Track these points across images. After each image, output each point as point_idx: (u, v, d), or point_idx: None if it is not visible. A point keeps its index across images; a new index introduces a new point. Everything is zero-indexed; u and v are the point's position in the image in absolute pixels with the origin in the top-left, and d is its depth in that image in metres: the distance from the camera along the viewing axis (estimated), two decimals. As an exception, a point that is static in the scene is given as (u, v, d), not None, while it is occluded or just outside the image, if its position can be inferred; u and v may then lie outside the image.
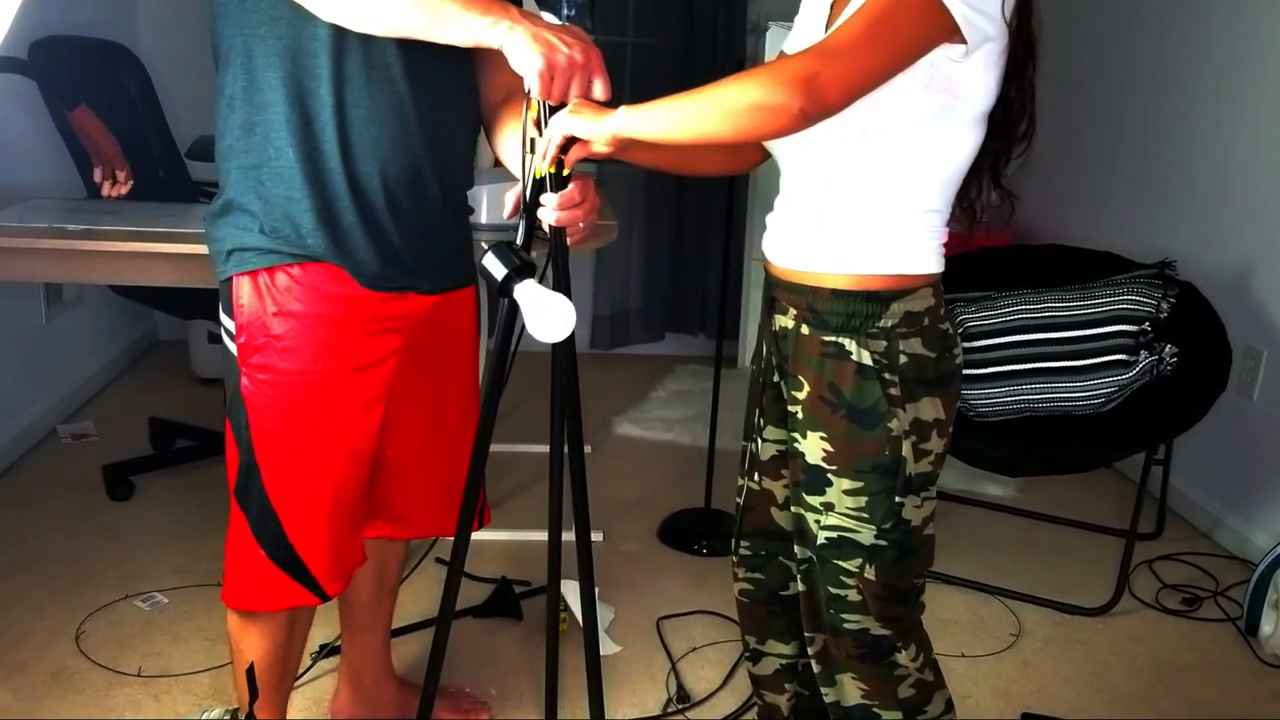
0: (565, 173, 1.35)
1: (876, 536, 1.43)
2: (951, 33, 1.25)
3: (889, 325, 1.38)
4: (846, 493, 1.42)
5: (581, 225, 1.40)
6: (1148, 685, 2.32)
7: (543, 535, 1.58)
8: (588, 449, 3.20)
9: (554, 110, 1.31)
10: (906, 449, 1.40)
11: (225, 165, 1.50)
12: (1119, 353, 2.55)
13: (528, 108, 1.34)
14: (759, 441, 1.60)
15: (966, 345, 2.57)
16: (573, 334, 1.35)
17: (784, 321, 1.47)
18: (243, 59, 1.44)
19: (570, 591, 2.05)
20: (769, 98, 1.19)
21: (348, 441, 1.57)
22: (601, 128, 1.28)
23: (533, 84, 1.28)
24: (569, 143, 1.32)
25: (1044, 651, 2.43)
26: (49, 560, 2.55)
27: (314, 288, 1.49)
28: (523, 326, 1.35)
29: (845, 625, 1.48)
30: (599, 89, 1.31)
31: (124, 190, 2.44)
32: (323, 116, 1.44)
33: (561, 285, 1.38)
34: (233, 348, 1.53)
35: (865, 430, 1.40)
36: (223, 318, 1.54)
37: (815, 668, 1.56)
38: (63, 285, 3.39)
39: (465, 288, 1.70)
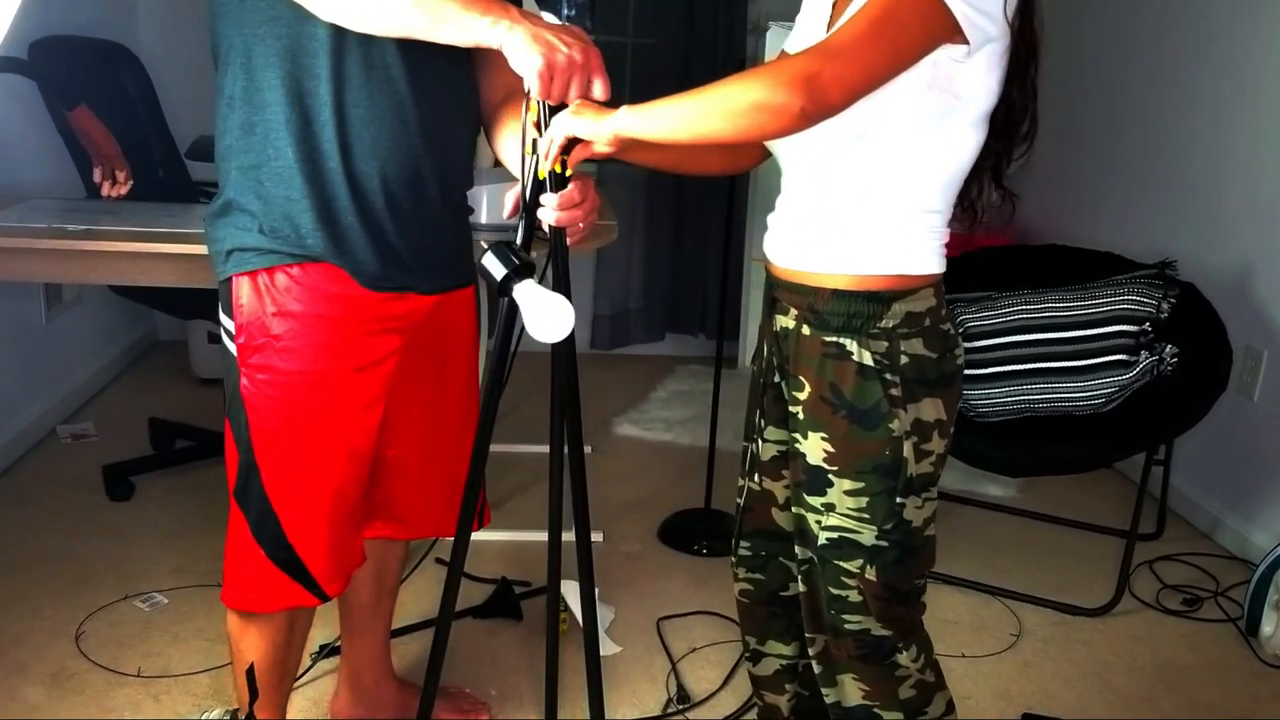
0: (567, 173, 1.35)
1: (877, 537, 1.43)
2: (953, 33, 1.25)
3: (890, 326, 1.38)
4: (847, 493, 1.42)
5: (581, 225, 1.40)
6: (1148, 686, 2.32)
7: (543, 536, 1.58)
8: (588, 449, 3.21)
9: (554, 110, 1.31)
10: (908, 450, 1.40)
11: (225, 165, 1.50)
12: (1119, 353, 2.55)
13: (527, 108, 1.34)
14: (760, 442, 1.60)
15: (967, 345, 2.56)
16: (572, 334, 1.35)
17: (785, 322, 1.47)
18: (242, 59, 1.44)
19: (570, 592, 2.04)
20: (770, 97, 1.19)
21: (347, 442, 1.56)
22: (603, 128, 1.28)
23: (532, 84, 1.28)
24: (571, 143, 1.31)
25: (1044, 652, 2.43)
26: (49, 560, 2.55)
27: (313, 288, 1.49)
28: (523, 326, 1.34)
29: (846, 626, 1.48)
30: (599, 89, 1.31)
31: (124, 190, 2.44)
32: (322, 116, 1.43)
33: (561, 285, 1.38)
34: (232, 348, 1.53)
35: (866, 431, 1.39)
36: (222, 318, 1.54)
37: (816, 668, 1.56)
38: (62, 285, 3.39)
39: (465, 288, 1.69)
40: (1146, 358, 2.53)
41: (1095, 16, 3.67)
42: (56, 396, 3.41)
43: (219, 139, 1.50)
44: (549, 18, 1.34)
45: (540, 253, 1.38)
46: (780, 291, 1.48)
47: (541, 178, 1.34)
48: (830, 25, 1.39)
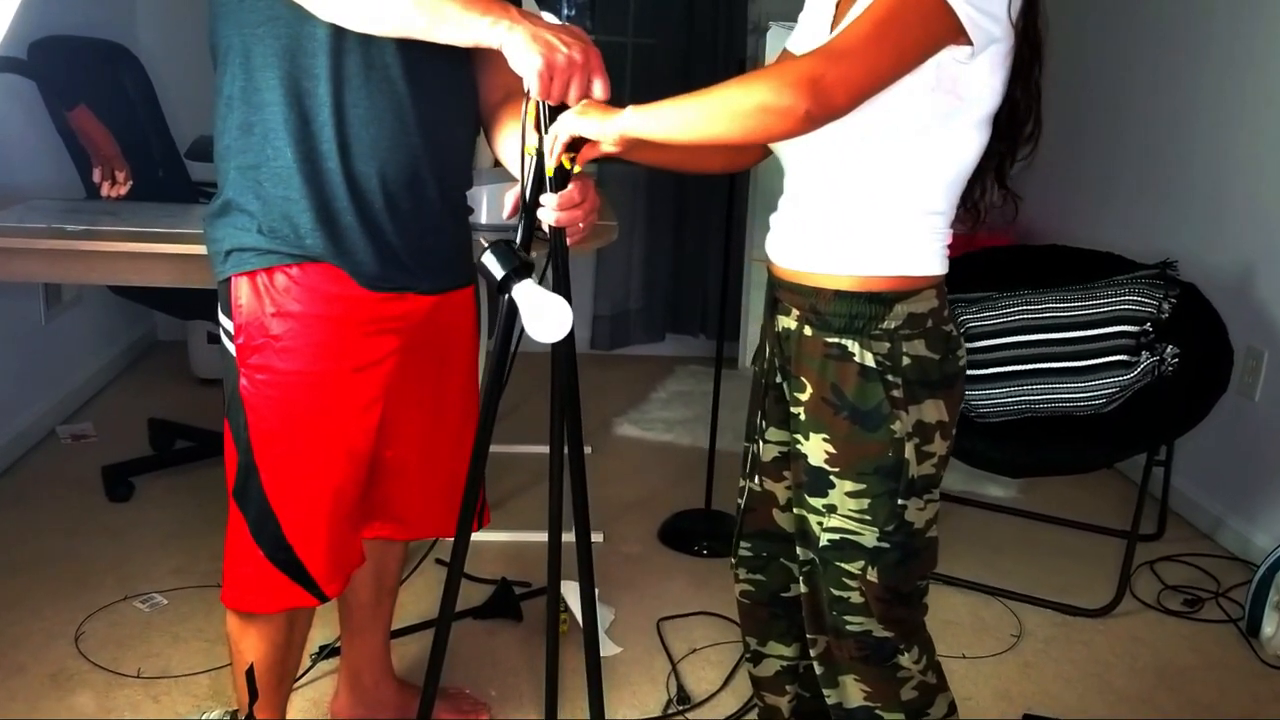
0: (576, 169, 1.35)
1: (879, 539, 1.42)
2: (957, 34, 1.25)
3: (892, 327, 1.37)
4: (849, 495, 1.42)
5: (581, 226, 1.40)
6: (1149, 686, 2.31)
7: (543, 536, 1.58)
8: (588, 450, 3.20)
9: (553, 110, 1.31)
10: (909, 451, 1.39)
11: (224, 165, 1.50)
12: (1120, 353, 2.54)
13: (527, 108, 1.33)
14: (761, 443, 1.59)
15: (967, 346, 2.56)
16: (572, 334, 1.35)
17: (787, 323, 1.47)
18: (241, 59, 1.43)
19: (570, 592, 2.04)
20: (775, 100, 1.19)
21: (346, 442, 1.56)
22: (609, 127, 1.28)
23: (532, 84, 1.28)
24: (575, 142, 1.31)
25: (1045, 653, 2.43)
26: (48, 561, 2.55)
27: (312, 288, 1.48)
28: (523, 327, 1.34)
29: (848, 627, 1.47)
30: (599, 89, 1.31)
31: (123, 190, 2.44)
32: (321, 116, 1.43)
33: (561, 286, 1.38)
34: (231, 348, 1.52)
35: (868, 432, 1.39)
36: (221, 318, 1.53)
37: (818, 669, 1.56)
38: (62, 286, 3.38)
39: (464, 288, 1.69)
40: (1147, 358, 2.53)
41: (1096, 17, 3.67)
42: (56, 397, 3.41)
43: (218, 139, 1.50)
44: (549, 18, 1.33)
45: (540, 253, 1.38)
46: (782, 292, 1.47)
47: (549, 175, 1.34)
48: (833, 25, 1.38)
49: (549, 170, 1.33)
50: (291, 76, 1.42)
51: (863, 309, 1.38)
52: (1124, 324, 2.55)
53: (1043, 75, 1.38)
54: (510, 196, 1.41)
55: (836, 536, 1.44)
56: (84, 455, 3.16)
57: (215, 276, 1.53)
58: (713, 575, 2.66)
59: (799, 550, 1.52)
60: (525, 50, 1.26)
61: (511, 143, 1.50)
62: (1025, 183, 1.50)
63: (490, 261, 1.33)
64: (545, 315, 1.29)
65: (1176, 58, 3.27)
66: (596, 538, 2.79)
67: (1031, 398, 2.61)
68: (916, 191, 1.36)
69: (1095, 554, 2.88)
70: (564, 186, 1.35)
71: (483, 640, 2.33)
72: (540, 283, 1.33)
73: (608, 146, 1.31)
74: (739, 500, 1.67)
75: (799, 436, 1.46)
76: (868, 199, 1.36)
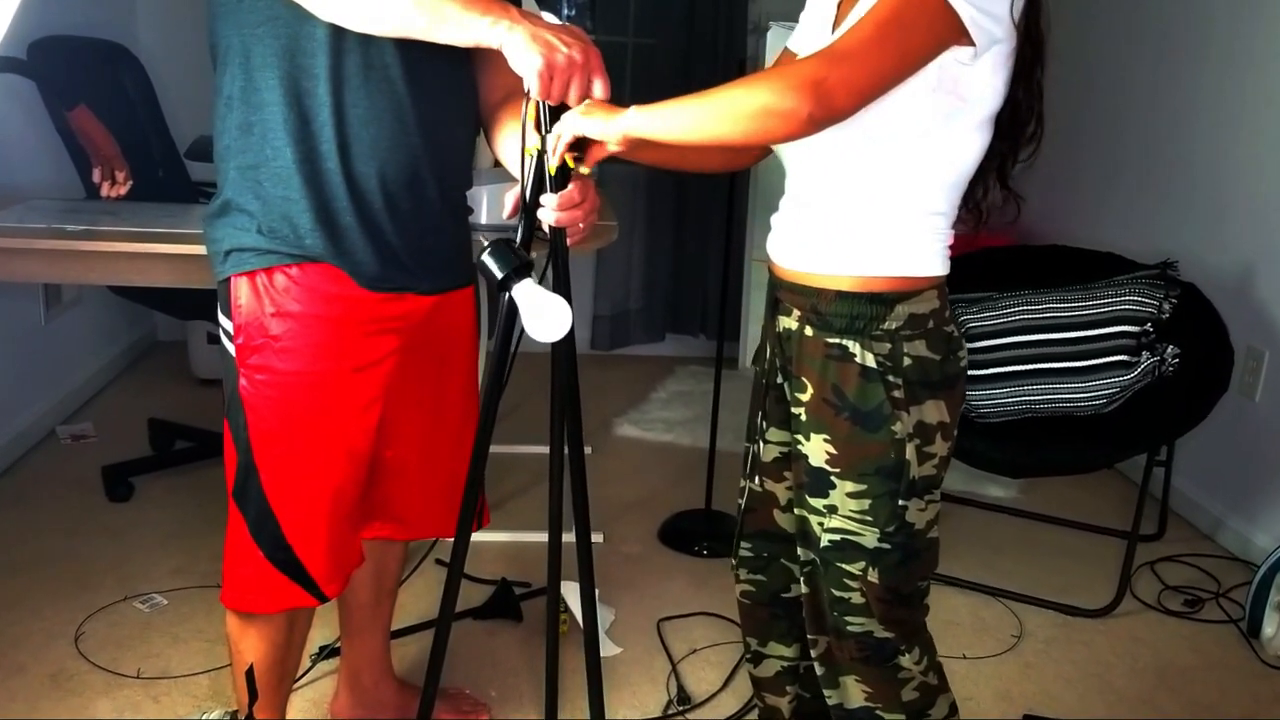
0: (584, 170, 1.35)
1: (880, 540, 1.42)
2: (960, 35, 1.24)
3: (893, 327, 1.37)
4: (850, 495, 1.41)
5: (581, 226, 1.40)
6: (1149, 687, 2.31)
7: (543, 536, 1.58)
8: (588, 450, 3.20)
9: (553, 110, 1.31)
10: (910, 452, 1.39)
11: (223, 165, 1.49)
12: (1121, 353, 2.54)
13: (527, 108, 1.33)
14: (761, 443, 1.59)
15: (968, 346, 2.56)
16: (573, 334, 1.35)
17: (788, 323, 1.47)
18: (240, 59, 1.43)
19: (570, 593, 2.04)
20: (778, 102, 1.19)
21: (346, 442, 1.56)
22: (613, 127, 1.28)
23: (532, 84, 1.28)
24: (578, 142, 1.31)
25: (1046, 653, 2.43)
26: (48, 562, 2.55)
27: (312, 288, 1.48)
28: (523, 326, 1.34)
29: (849, 628, 1.47)
30: (599, 89, 1.31)
31: (123, 191, 2.44)
32: (320, 116, 1.43)
33: (561, 286, 1.38)
34: (231, 348, 1.52)
35: (869, 433, 1.39)
36: (221, 318, 1.53)
37: (819, 670, 1.55)
38: (62, 286, 3.38)
39: (464, 288, 1.69)
40: (1148, 358, 2.52)
41: (1096, 18, 3.67)
42: (56, 397, 3.41)
43: (217, 139, 1.50)
44: (549, 18, 1.33)
45: (540, 253, 1.38)
46: (783, 292, 1.47)
47: (552, 174, 1.34)
48: (835, 25, 1.38)
49: (550, 169, 1.33)
50: (291, 76, 1.42)
51: (864, 309, 1.37)
52: (1124, 324, 2.55)
53: (1045, 75, 1.38)
54: (510, 196, 1.41)
55: (837, 537, 1.44)
56: (84, 455, 3.16)
57: (215, 277, 1.53)
58: (713, 575, 2.66)
59: (800, 551, 1.52)
60: (525, 50, 1.26)
61: (511, 143, 1.50)
62: (1026, 183, 1.50)
63: (490, 261, 1.33)
64: (545, 315, 1.29)
65: (1177, 58, 3.27)
66: (597, 538, 2.79)
67: (1032, 398, 2.61)
68: (918, 192, 1.35)
69: (1096, 554, 2.88)
70: (565, 186, 1.35)
71: (483, 641, 2.33)
72: (540, 283, 1.33)
73: (612, 147, 1.31)
74: (739, 501, 1.67)
75: (800, 437, 1.45)
76: (869, 199, 1.36)
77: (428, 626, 2.30)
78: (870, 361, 1.38)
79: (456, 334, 1.71)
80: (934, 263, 1.40)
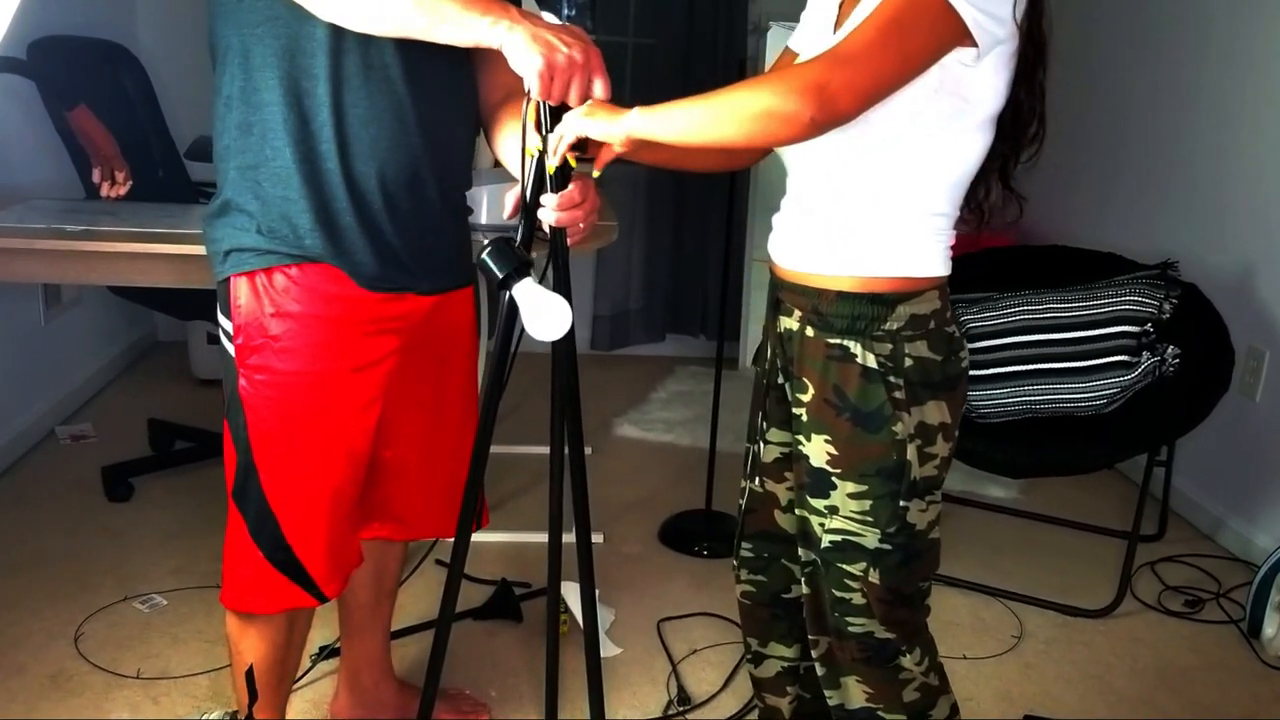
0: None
1: (881, 540, 1.42)
2: (963, 36, 1.24)
3: (894, 328, 1.37)
4: (851, 496, 1.41)
5: (581, 226, 1.40)
6: (1150, 687, 2.31)
7: (543, 537, 1.58)
8: (588, 450, 3.20)
9: (554, 110, 1.31)
10: (911, 453, 1.39)
11: (223, 165, 1.49)
12: (1121, 354, 2.54)
13: (527, 108, 1.33)
14: (762, 444, 1.59)
15: (968, 346, 2.56)
16: (573, 334, 1.34)
17: (789, 323, 1.47)
18: (240, 59, 1.43)
19: (570, 593, 2.04)
20: (781, 105, 1.19)
21: (345, 442, 1.56)
22: (616, 129, 1.28)
23: (532, 84, 1.27)
24: (580, 142, 1.31)
25: (1046, 653, 2.42)
26: (48, 562, 2.55)
27: (312, 288, 1.48)
28: (523, 326, 1.34)
29: (850, 628, 1.47)
30: (599, 89, 1.31)
31: (123, 191, 2.44)
32: (320, 116, 1.43)
33: (562, 286, 1.38)
34: (230, 349, 1.52)
35: (870, 434, 1.39)
36: (220, 318, 1.53)
37: (820, 670, 1.55)
38: (61, 286, 3.38)
39: (464, 288, 1.69)
40: (1148, 358, 2.52)
41: (1097, 18, 3.67)
42: (55, 397, 3.40)
43: (217, 139, 1.50)
44: (549, 18, 1.33)
45: (540, 253, 1.38)
46: (784, 293, 1.47)
47: (551, 174, 1.33)
48: (837, 25, 1.38)
49: (550, 169, 1.33)
50: (291, 76, 1.42)
51: (865, 310, 1.37)
52: (1125, 324, 2.54)
53: (1047, 76, 1.38)
54: (511, 197, 1.41)
55: (838, 538, 1.44)
56: (83, 456, 3.16)
57: (214, 277, 1.53)
58: (713, 576, 2.66)
59: (801, 551, 1.51)
60: (526, 50, 1.26)
61: (511, 143, 1.50)
62: (1026, 183, 1.50)
63: (490, 260, 1.33)
64: (545, 314, 1.30)
65: (1177, 58, 3.27)
66: (597, 538, 2.79)
67: (1032, 398, 2.61)
68: (920, 193, 1.35)
69: (1096, 555, 2.88)
70: (565, 186, 1.35)
71: (483, 641, 2.33)
72: (540, 283, 1.33)
73: (616, 148, 1.31)
74: (740, 501, 1.67)
75: (801, 438, 1.45)
76: (871, 200, 1.36)
77: (428, 627, 2.29)
78: (871, 362, 1.38)
79: (456, 334, 1.70)
80: (935, 263, 1.39)
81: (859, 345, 1.38)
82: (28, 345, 3.25)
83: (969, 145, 1.35)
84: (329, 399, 1.52)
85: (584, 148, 1.33)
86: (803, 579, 1.52)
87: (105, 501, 2.88)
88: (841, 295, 1.38)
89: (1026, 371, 2.61)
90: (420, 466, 1.72)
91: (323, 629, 2.12)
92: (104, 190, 2.43)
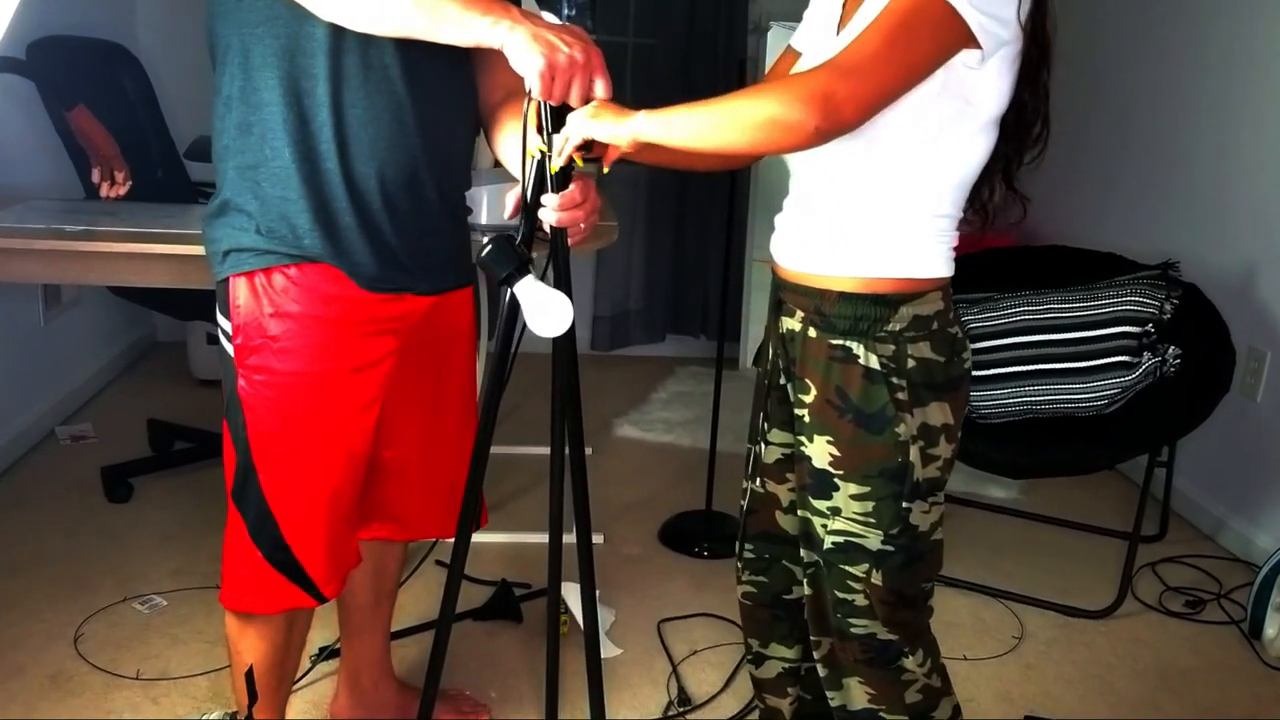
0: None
1: (883, 542, 1.42)
2: (967, 40, 1.24)
3: (897, 329, 1.37)
4: (853, 497, 1.41)
5: (582, 226, 1.40)
6: (1151, 688, 2.31)
7: (543, 537, 1.58)
8: (588, 450, 3.19)
9: (555, 110, 1.31)
10: (914, 454, 1.39)
11: (222, 165, 1.49)
12: (1122, 354, 2.54)
13: (528, 108, 1.33)
14: (764, 445, 1.59)
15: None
16: (573, 334, 1.34)
17: (791, 324, 1.46)
18: (240, 59, 1.43)
19: (571, 594, 2.03)
20: (785, 114, 1.19)
21: (345, 442, 1.56)
22: (623, 131, 1.27)
23: (533, 84, 1.27)
24: (587, 143, 1.31)
25: (1047, 654, 2.42)
26: (47, 562, 2.54)
27: (311, 289, 1.48)
28: (524, 327, 1.34)
29: (852, 630, 1.47)
30: (600, 89, 1.31)
31: (122, 191, 2.43)
32: (320, 117, 1.43)
33: (562, 286, 1.38)
34: (229, 349, 1.52)
35: (872, 435, 1.38)
36: (219, 319, 1.53)
37: (822, 671, 1.55)
38: (61, 286, 3.38)
39: (463, 289, 1.69)
40: (1149, 359, 2.52)
41: (1098, 19, 3.67)
42: (55, 398, 3.40)
43: (216, 139, 1.49)
44: (549, 18, 1.33)
45: (541, 253, 1.37)
46: (787, 294, 1.47)
47: (553, 173, 1.33)
48: (840, 26, 1.38)
49: (552, 169, 1.33)
50: (290, 76, 1.41)
51: (868, 311, 1.37)
52: (1126, 325, 2.54)
53: (1051, 77, 1.38)
54: (511, 197, 1.41)
55: (841, 539, 1.43)
56: (83, 456, 3.15)
57: (213, 277, 1.53)
58: (713, 576, 2.66)
59: (803, 552, 1.51)
60: (526, 50, 1.26)
61: (511, 143, 1.49)
62: (1028, 184, 1.50)
63: (491, 257, 1.32)
64: (547, 310, 1.30)
65: (1177, 59, 3.27)
66: (597, 539, 2.79)
67: (1033, 399, 2.61)
68: (923, 194, 1.35)
69: (1097, 555, 2.88)
70: (566, 186, 1.35)
71: (483, 642, 2.33)
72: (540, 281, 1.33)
73: (623, 147, 1.31)
74: (742, 502, 1.67)
75: (803, 439, 1.45)
76: (874, 201, 1.36)
77: (428, 627, 2.29)
78: (874, 363, 1.37)
79: (455, 334, 1.70)
80: (939, 264, 1.39)
81: (861, 346, 1.38)
82: (27, 345, 3.25)
83: (973, 147, 1.34)
84: (328, 399, 1.52)
85: (590, 148, 1.33)
86: (805, 580, 1.52)
87: (105, 502, 2.87)
88: (844, 296, 1.38)
89: (1027, 372, 2.61)
90: (420, 467, 1.72)
91: (323, 629, 2.12)
92: (103, 190, 2.43)
